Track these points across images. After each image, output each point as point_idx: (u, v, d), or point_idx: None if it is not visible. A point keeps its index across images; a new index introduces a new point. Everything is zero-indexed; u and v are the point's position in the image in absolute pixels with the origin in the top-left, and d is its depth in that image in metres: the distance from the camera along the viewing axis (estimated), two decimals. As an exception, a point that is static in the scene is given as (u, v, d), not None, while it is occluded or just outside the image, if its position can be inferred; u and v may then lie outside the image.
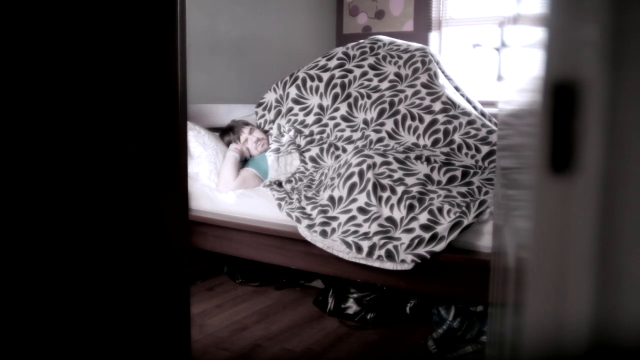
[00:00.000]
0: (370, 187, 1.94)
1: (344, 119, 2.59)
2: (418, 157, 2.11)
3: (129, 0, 2.03)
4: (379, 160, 2.04)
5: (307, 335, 2.12)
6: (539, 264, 0.42)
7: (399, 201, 1.90)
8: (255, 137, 2.67)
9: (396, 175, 2.00)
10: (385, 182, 1.97)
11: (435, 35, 4.01)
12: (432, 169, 2.05)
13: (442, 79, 2.60)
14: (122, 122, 2.10)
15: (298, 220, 2.01)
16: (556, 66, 0.34)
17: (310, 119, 2.66)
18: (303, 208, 2.06)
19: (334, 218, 1.96)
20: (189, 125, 2.63)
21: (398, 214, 1.89)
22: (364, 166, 2.02)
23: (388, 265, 1.81)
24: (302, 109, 2.72)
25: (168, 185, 2.13)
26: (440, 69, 2.67)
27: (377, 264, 1.84)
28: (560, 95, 0.33)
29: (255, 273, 2.68)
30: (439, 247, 1.77)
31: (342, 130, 2.56)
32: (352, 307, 2.23)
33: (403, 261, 1.78)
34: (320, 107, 2.68)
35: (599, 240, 0.37)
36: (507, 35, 1.12)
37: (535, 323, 0.42)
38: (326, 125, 2.62)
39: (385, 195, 1.93)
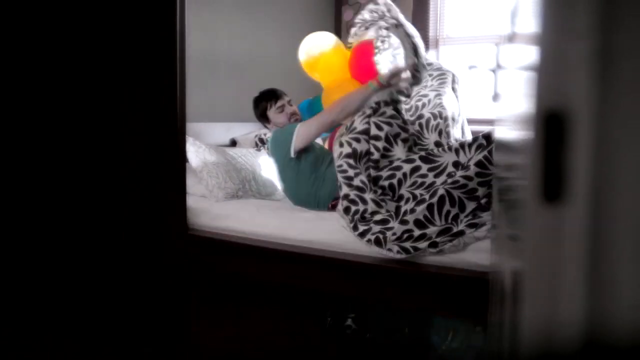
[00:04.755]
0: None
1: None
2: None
3: (130, 21, 2.05)
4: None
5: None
6: (532, 287, 0.43)
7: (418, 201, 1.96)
8: (293, 109, 2.58)
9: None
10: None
11: (433, 54, 4.05)
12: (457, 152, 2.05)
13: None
14: (122, 139, 2.11)
15: None
16: (546, 98, 0.35)
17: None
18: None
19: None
20: (190, 140, 2.64)
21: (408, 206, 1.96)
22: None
23: (375, 249, 1.90)
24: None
25: (167, 200, 2.14)
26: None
27: (365, 246, 1.94)
28: (551, 126, 0.34)
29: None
30: (424, 244, 1.82)
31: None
32: (350, 326, 2.22)
33: (390, 250, 1.87)
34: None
35: (589, 263, 0.38)
36: (503, 57, 1.13)
37: (529, 340, 0.43)
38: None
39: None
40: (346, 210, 2.04)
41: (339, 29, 4.47)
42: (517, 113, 0.56)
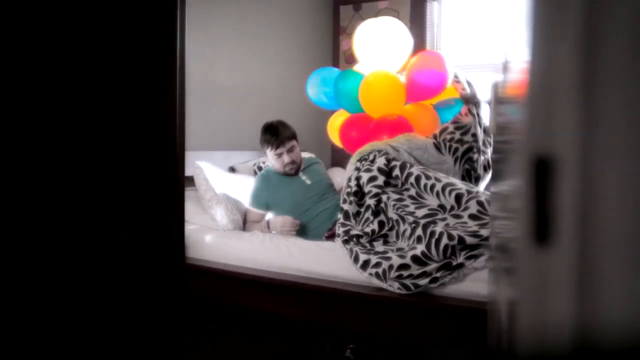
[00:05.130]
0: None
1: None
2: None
3: (131, 49, 2.08)
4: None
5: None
6: (525, 321, 0.44)
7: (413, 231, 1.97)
8: (290, 159, 2.62)
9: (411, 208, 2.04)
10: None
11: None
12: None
13: None
14: (121, 166, 2.12)
15: None
16: (533, 144, 0.36)
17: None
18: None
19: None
20: (203, 167, 2.68)
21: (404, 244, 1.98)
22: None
23: (375, 282, 1.91)
24: None
25: (164, 229, 2.14)
26: None
27: (366, 278, 1.94)
28: (539, 171, 0.35)
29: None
30: (424, 281, 1.83)
31: None
32: (350, 357, 2.20)
33: (390, 286, 1.89)
34: None
35: (576, 300, 0.40)
36: (497, 90, 1.15)
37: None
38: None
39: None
40: (345, 242, 2.05)
41: (337, 57, 4.54)
42: (507, 155, 0.58)
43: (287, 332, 2.63)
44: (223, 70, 3.40)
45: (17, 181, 2.06)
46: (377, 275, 1.92)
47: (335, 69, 3.01)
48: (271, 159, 2.66)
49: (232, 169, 3.26)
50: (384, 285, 1.90)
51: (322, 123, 3.01)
